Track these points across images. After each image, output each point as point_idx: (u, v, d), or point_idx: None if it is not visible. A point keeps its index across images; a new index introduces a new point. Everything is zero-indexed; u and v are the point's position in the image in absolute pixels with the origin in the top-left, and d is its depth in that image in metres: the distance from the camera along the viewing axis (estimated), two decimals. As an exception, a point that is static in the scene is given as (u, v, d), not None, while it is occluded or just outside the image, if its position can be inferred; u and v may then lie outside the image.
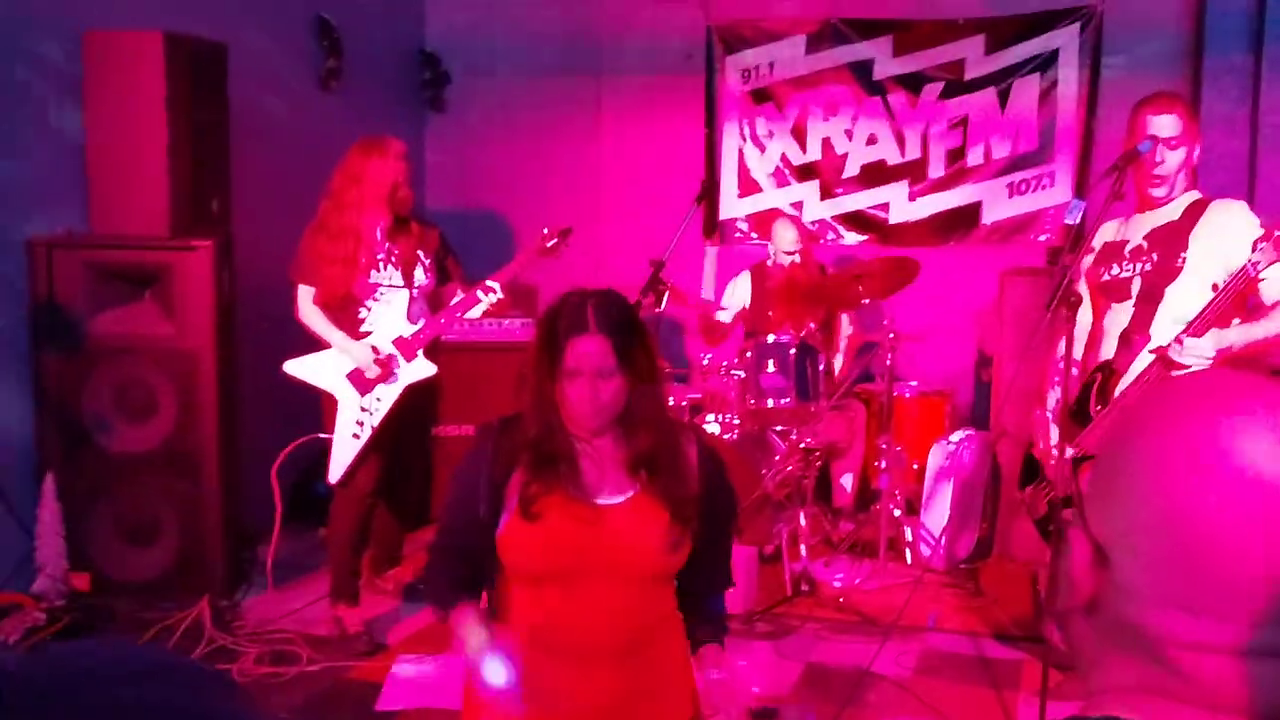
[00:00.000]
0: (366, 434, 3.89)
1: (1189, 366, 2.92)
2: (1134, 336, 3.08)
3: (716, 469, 2.16)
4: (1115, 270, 3.18)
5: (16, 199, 3.88)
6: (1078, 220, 3.08)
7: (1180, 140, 3.07)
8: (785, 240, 5.17)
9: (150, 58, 3.84)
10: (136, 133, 3.86)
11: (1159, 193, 3.12)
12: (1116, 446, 0.81)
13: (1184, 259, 3.03)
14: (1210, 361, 2.91)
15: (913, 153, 5.92)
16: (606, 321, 1.99)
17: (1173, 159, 3.08)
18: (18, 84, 3.88)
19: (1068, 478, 3.03)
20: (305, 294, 3.91)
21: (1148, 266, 3.11)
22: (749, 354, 4.74)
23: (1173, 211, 3.13)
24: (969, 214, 5.86)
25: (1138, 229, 3.19)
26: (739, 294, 5.33)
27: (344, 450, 3.90)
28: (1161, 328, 3.03)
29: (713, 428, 4.77)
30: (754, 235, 6.20)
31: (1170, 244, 3.07)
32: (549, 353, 2.00)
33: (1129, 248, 3.18)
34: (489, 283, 3.97)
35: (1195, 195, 3.16)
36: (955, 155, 5.86)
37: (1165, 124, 3.06)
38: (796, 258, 5.14)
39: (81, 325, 3.88)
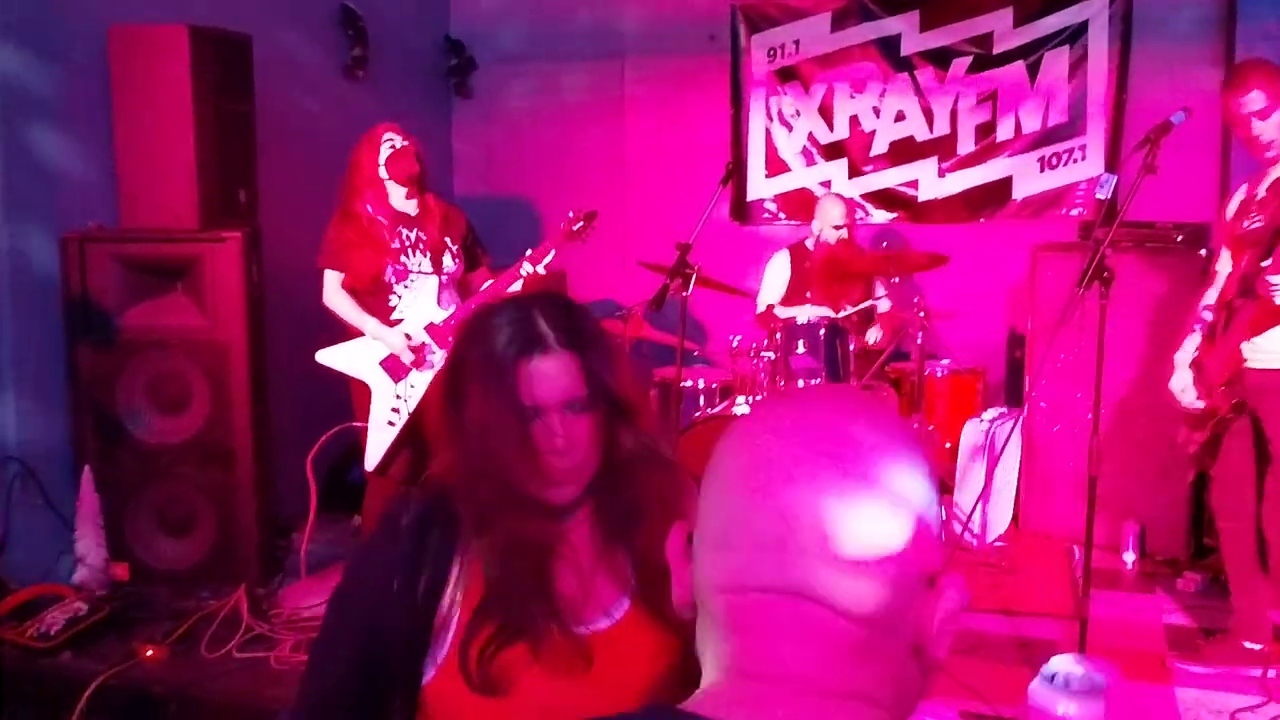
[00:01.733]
0: (402, 421, 3.92)
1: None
2: (1255, 281, 3.20)
3: None
4: (1246, 222, 3.34)
5: (48, 195, 3.92)
6: (1109, 195, 3.05)
7: (1271, 106, 3.20)
8: (833, 215, 5.11)
9: (176, 51, 3.85)
10: (163, 126, 3.88)
11: (1271, 154, 3.28)
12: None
13: None
14: None
15: (941, 128, 5.86)
16: (566, 332, 1.47)
17: (1269, 126, 3.22)
18: (45, 79, 3.90)
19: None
20: (332, 279, 3.95)
21: (1260, 221, 3.26)
22: (779, 335, 4.72)
23: None
24: (1000, 189, 5.79)
25: (1265, 181, 3.33)
26: (777, 274, 5.29)
27: (380, 438, 3.93)
28: None
29: (742, 409, 4.76)
30: (782, 216, 6.16)
31: None
32: (497, 394, 1.44)
33: (1257, 199, 3.32)
34: (526, 263, 3.98)
35: None
36: (985, 130, 5.79)
37: (1252, 100, 3.22)
38: (844, 233, 5.08)
39: (114, 319, 3.91)
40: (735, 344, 4.90)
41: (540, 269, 3.96)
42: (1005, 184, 5.78)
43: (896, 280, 4.97)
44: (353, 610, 1.53)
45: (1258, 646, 3.45)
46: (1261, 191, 3.33)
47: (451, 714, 1.43)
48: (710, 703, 0.83)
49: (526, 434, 1.43)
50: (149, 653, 3.39)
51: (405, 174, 3.95)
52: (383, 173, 3.94)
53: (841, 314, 4.72)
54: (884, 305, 5.18)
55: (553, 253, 3.97)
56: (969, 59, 5.76)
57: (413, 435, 3.98)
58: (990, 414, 4.93)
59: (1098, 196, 3.44)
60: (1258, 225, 3.28)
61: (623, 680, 1.46)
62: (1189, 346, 3.50)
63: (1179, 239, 4.67)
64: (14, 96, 3.80)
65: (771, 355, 4.72)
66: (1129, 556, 4.61)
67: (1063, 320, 3.19)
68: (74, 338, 3.93)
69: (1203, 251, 4.60)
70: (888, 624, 0.81)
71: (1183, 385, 3.48)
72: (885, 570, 0.80)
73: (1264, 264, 3.15)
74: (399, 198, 3.97)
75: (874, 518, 0.80)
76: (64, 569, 3.87)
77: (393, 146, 3.94)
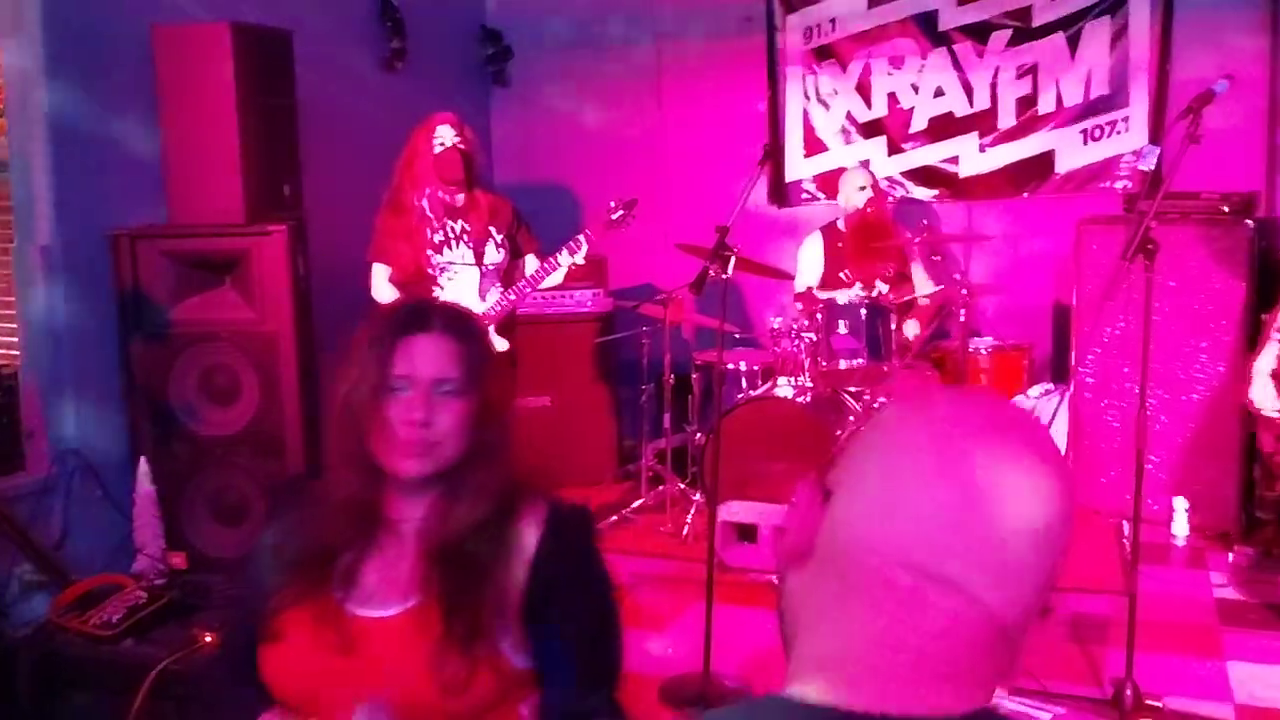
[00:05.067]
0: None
1: None
2: None
3: (569, 550, 1.59)
4: None
5: (98, 193, 4.00)
6: (1153, 166, 3.01)
7: None
8: (855, 181, 5.11)
9: (218, 49, 3.90)
10: (208, 123, 3.93)
11: None
12: (874, 428, 0.92)
13: None
14: None
15: (982, 103, 5.80)
16: (454, 324, 1.58)
17: None
18: (92, 80, 3.98)
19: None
20: (380, 273, 4.00)
21: None
22: (819, 315, 4.72)
23: None
24: (1042, 163, 5.73)
25: None
26: (812, 256, 5.29)
27: (423, 426, 3.98)
28: None
29: (785, 391, 4.76)
30: (821, 196, 6.14)
31: None
32: (373, 361, 1.54)
33: None
34: (565, 253, 4.01)
35: None
36: (1026, 103, 5.73)
37: None
38: (869, 193, 5.07)
39: (165, 313, 3.99)
40: (776, 325, 4.91)
41: (579, 259, 3.99)
42: (1047, 158, 5.71)
43: (938, 258, 4.94)
44: (245, 574, 1.70)
45: None
46: None
47: (260, 660, 1.56)
48: (837, 669, 0.85)
49: (387, 401, 1.53)
50: (208, 638, 3.46)
51: (449, 177, 3.98)
52: (432, 162, 3.98)
53: (875, 292, 4.70)
54: (923, 286, 5.15)
55: (587, 244, 4.00)
56: (1008, 32, 5.70)
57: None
58: (1035, 390, 4.91)
59: (1140, 168, 3.37)
60: None
61: (382, 670, 1.49)
62: (1269, 355, 3.41)
63: (1226, 209, 4.61)
64: (63, 98, 3.88)
65: (813, 336, 4.72)
66: (1179, 531, 4.58)
67: (1107, 294, 3.18)
68: (127, 333, 4.01)
69: (1249, 222, 4.55)
70: (1018, 632, 0.85)
71: (1262, 396, 3.42)
72: (1042, 569, 0.84)
73: None
74: (439, 187, 4.02)
75: (1058, 493, 0.85)
76: (123, 559, 3.96)
77: (441, 145, 3.97)
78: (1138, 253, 2.91)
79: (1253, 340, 4.36)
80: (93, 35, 3.97)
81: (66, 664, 3.38)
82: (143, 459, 3.98)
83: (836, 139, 6.11)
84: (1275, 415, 3.38)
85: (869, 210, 5.05)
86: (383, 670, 1.49)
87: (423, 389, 1.52)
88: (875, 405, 4.58)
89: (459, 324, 1.59)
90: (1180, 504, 4.59)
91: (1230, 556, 4.34)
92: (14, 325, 4.00)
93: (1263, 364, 3.40)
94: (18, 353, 3.97)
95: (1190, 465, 4.64)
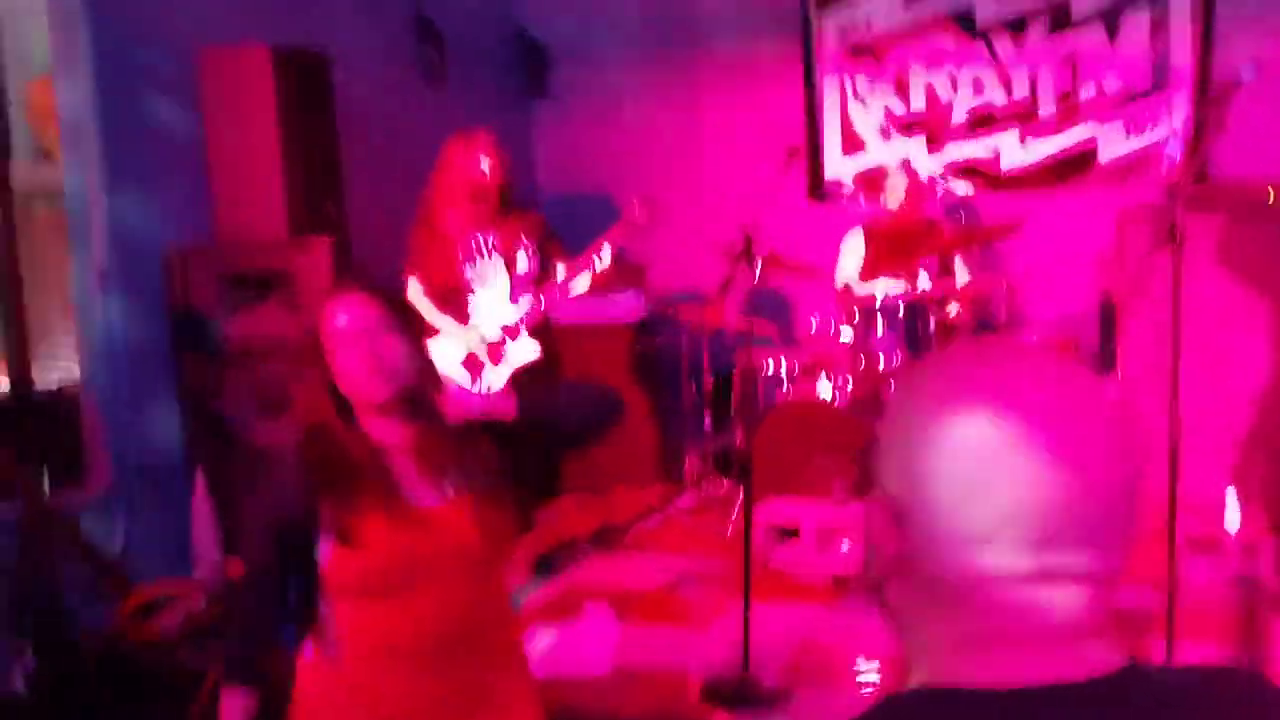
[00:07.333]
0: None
1: None
2: None
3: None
4: None
5: (151, 216, 4.13)
6: (1176, 154, 2.99)
7: None
8: (899, 185, 5.12)
9: (260, 71, 4.04)
10: (251, 143, 4.06)
11: None
12: (901, 411, 0.91)
13: None
14: None
15: (1021, 96, 5.77)
16: (367, 286, 2.02)
17: None
18: (141, 106, 4.11)
19: None
20: (414, 284, 4.11)
21: None
22: (858, 315, 4.72)
23: None
24: (1084, 155, 5.68)
25: None
26: (852, 251, 5.30)
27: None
28: None
29: (825, 391, 4.78)
30: (861, 193, 6.13)
31: None
32: (321, 339, 1.97)
33: None
34: (594, 254, 4.09)
35: None
36: (1066, 95, 5.68)
37: None
38: (901, 200, 5.07)
39: (217, 329, 4.12)
40: (814, 326, 4.93)
41: (603, 258, 4.06)
42: (1089, 149, 5.66)
43: (977, 250, 4.92)
44: (268, 509, 2.04)
45: None
46: None
47: (334, 570, 1.94)
48: (961, 656, 0.87)
49: (339, 365, 1.95)
50: (262, 644, 3.56)
51: (484, 213, 4.09)
52: (470, 185, 4.07)
53: (916, 288, 4.70)
54: (962, 278, 5.13)
55: (608, 245, 4.07)
56: (1046, 24, 5.66)
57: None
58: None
59: (1166, 153, 3.33)
60: None
61: (450, 541, 1.96)
62: None
63: (1271, 198, 4.54)
64: (115, 129, 4.01)
65: (851, 334, 4.73)
66: (1232, 522, 4.51)
67: (1137, 285, 3.15)
68: (181, 349, 4.15)
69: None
70: (1115, 576, 0.87)
71: None
72: (1120, 507, 0.85)
73: None
74: (472, 209, 4.10)
75: (1106, 431, 0.85)
76: (183, 567, 4.09)
77: (481, 174, 4.07)
78: (1167, 241, 2.90)
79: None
80: (140, 63, 4.10)
81: (128, 671, 3.50)
82: (200, 470, 4.11)
83: (875, 137, 6.10)
84: None
85: (908, 212, 5.04)
86: (448, 541, 1.96)
87: (356, 335, 1.94)
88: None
89: (371, 286, 2.02)
90: (1232, 495, 4.53)
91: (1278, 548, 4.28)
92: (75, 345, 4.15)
93: None
94: (79, 372, 4.13)
95: (1245, 458, 4.58)
